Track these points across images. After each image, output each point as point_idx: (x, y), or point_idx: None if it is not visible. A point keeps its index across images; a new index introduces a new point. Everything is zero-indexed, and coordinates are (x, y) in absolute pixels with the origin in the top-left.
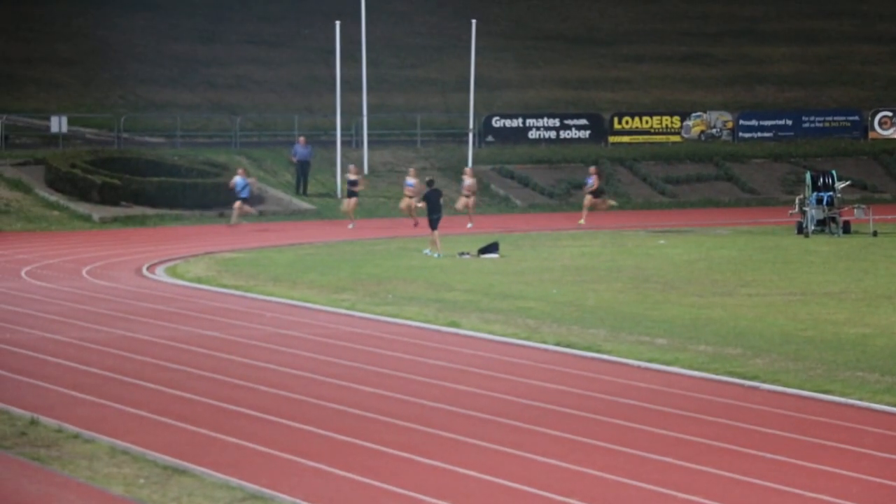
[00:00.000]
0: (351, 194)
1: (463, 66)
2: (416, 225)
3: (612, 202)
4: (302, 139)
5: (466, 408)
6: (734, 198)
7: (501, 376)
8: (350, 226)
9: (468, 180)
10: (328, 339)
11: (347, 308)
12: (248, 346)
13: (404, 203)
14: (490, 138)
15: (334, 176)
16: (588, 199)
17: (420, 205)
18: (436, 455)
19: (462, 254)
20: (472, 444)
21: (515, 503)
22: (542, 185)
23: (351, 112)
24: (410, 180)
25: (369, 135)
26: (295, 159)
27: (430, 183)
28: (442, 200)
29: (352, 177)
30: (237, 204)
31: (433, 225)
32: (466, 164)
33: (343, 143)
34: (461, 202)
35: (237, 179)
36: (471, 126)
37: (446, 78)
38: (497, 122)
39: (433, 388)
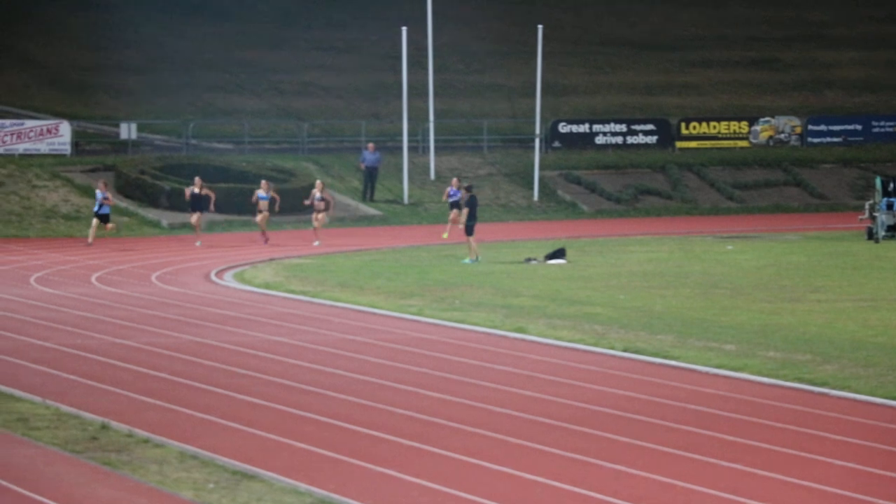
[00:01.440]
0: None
1: (529, 72)
2: (266, 241)
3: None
4: (370, 145)
5: (533, 413)
6: (803, 203)
7: (568, 382)
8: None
9: (318, 194)
10: (395, 344)
11: (414, 314)
12: (315, 352)
13: (260, 217)
14: (557, 144)
15: (401, 182)
16: (453, 213)
17: (463, 211)
18: (503, 461)
19: (529, 259)
20: (538, 450)
21: None
22: (608, 191)
23: (417, 118)
24: (262, 193)
25: (436, 141)
26: (363, 165)
27: (469, 188)
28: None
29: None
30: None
31: (470, 231)
32: (533, 170)
33: (410, 148)
34: (315, 217)
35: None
36: (537, 131)
37: (512, 83)
38: (564, 128)
39: (500, 394)
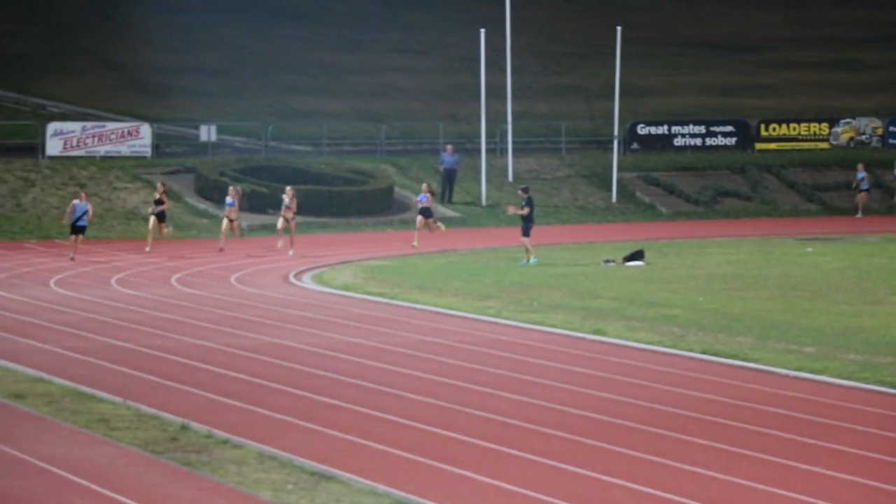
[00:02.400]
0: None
1: (607, 73)
2: (221, 250)
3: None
4: (449, 147)
5: (611, 416)
6: (885, 205)
7: (646, 384)
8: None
9: (286, 200)
10: (473, 346)
11: (492, 315)
12: (393, 353)
13: (225, 224)
14: (635, 145)
15: (479, 184)
16: (420, 219)
17: (523, 212)
18: (581, 463)
19: (607, 261)
20: (617, 453)
21: None
22: (687, 193)
23: (495, 119)
24: (230, 199)
25: (514, 142)
26: (442, 167)
27: (526, 190)
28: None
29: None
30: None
31: (527, 233)
32: (611, 172)
33: (487, 150)
34: (280, 223)
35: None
36: (616, 133)
37: (590, 85)
38: (642, 129)
39: (578, 396)
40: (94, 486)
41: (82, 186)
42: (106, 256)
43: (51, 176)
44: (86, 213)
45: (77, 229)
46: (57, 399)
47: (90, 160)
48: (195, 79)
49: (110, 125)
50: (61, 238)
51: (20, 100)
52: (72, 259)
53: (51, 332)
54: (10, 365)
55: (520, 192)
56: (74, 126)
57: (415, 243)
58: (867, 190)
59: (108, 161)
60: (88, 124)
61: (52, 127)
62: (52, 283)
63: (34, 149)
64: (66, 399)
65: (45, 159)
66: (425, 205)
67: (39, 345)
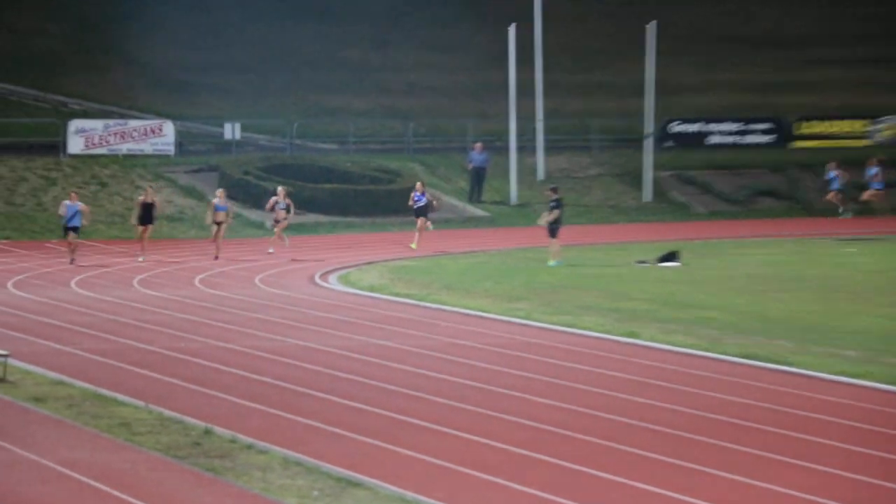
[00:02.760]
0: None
1: (639, 70)
2: (216, 258)
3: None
4: (478, 145)
5: (646, 421)
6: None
7: (682, 388)
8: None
9: (282, 201)
10: (503, 349)
11: (523, 317)
12: (421, 356)
13: (210, 219)
14: (669, 143)
15: (508, 183)
16: (420, 221)
17: (552, 216)
18: (614, 469)
19: (640, 262)
20: (651, 459)
21: None
22: (723, 191)
23: (525, 117)
24: (221, 203)
25: (544, 140)
26: (471, 166)
27: (555, 189)
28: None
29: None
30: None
31: (555, 233)
32: (644, 171)
33: (517, 149)
34: (276, 224)
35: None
36: (649, 131)
37: (622, 82)
38: (676, 127)
39: (611, 400)
40: (115, 492)
41: (104, 185)
42: (128, 257)
43: (72, 174)
44: (78, 212)
45: (71, 229)
46: (78, 402)
47: (112, 158)
48: (220, 76)
49: (133, 123)
50: (82, 237)
51: (41, 97)
52: (71, 262)
53: (71, 334)
54: (31, 367)
55: (548, 191)
56: (96, 124)
57: (413, 245)
58: (839, 190)
59: (131, 159)
60: (111, 122)
61: (74, 124)
62: (72, 283)
63: (56, 147)
64: (86, 402)
65: (67, 157)
66: (422, 204)
67: (60, 347)
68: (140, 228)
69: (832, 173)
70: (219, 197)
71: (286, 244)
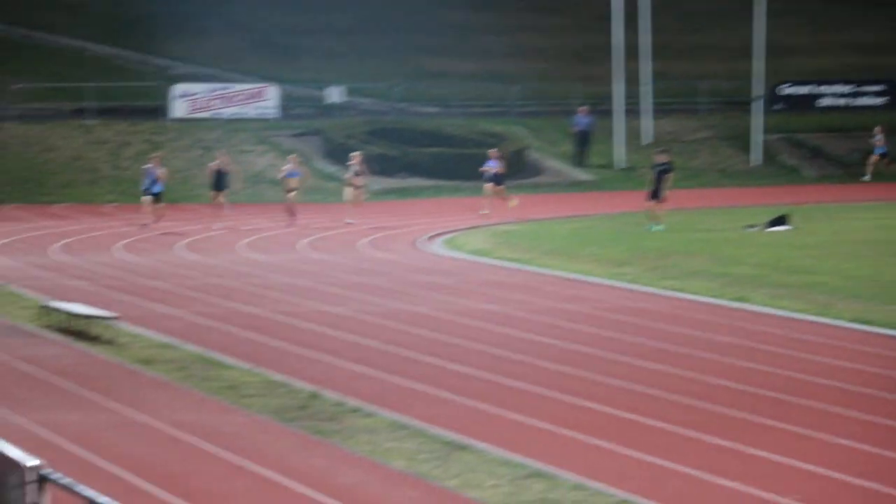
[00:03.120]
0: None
1: (749, 32)
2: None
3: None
4: (583, 109)
5: (755, 386)
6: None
7: (792, 354)
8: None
9: (356, 164)
10: (609, 313)
11: (629, 282)
12: (526, 320)
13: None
14: (778, 106)
15: (613, 147)
16: (488, 186)
17: (667, 177)
18: (723, 434)
19: (749, 227)
20: (761, 423)
21: (809, 487)
22: (834, 155)
23: (631, 80)
24: (293, 169)
25: (650, 103)
26: (576, 129)
27: (664, 152)
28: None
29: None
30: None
31: (662, 197)
32: (753, 134)
33: (623, 112)
34: (349, 193)
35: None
36: (758, 93)
37: (731, 44)
38: (786, 90)
39: (719, 365)
40: (223, 454)
41: (208, 150)
42: (233, 221)
43: (176, 138)
44: (156, 178)
45: (151, 195)
46: (186, 365)
47: (216, 123)
48: (323, 39)
49: (236, 87)
50: (186, 202)
51: (145, 61)
52: (144, 225)
53: (179, 298)
54: (139, 330)
55: (658, 154)
56: (200, 88)
57: (485, 211)
58: (882, 154)
59: (234, 124)
60: (214, 86)
61: (178, 88)
62: (179, 246)
63: (160, 111)
64: (194, 365)
65: (171, 121)
66: (495, 170)
67: (168, 310)
68: (213, 194)
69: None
70: (291, 163)
71: (348, 220)
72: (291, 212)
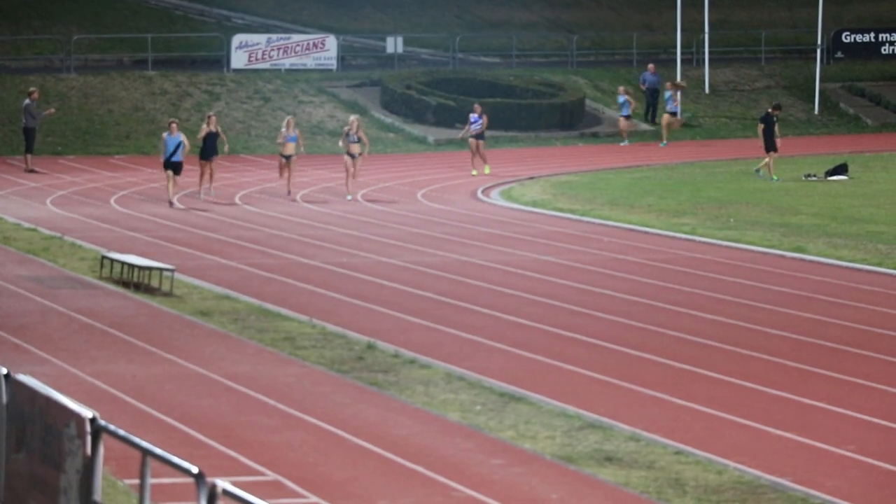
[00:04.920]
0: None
1: None
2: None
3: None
4: (651, 66)
5: (813, 336)
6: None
7: (850, 304)
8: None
9: (480, 118)
10: (667, 264)
11: (687, 233)
12: (583, 272)
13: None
14: (839, 54)
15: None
16: (473, 143)
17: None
18: (780, 385)
19: (808, 176)
20: (819, 374)
21: (867, 436)
22: (895, 104)
23: (691, 29)
24: (291, 133)
25: (711, 52)
26: (644, 87)
27: (778, 107)
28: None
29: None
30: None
31: (772, 146)
32: (813, 83)
33: (683, 61)
34: (347, 162)
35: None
36: (819, 42)
37: None
38: (847, 38)
39: (777, 316)
40: (280, 405)
41: (267, 101)
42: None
43: (235, 90)
44: (180, 146)
45: (171, 166)
46: (242, 317)
47: (275, 73)
48: None
49: (295, 37)
50: (247, 153)
51: (206, 11)
52: (170, 204)
53: (236, 249)
54: (197, 282)
55: (773, 108)
56: (259, 38)
57: (474, 172)
58: (626, 116)
59: (293, 74)
60: (273, 36)
61: (238, 39)
62: (237, 198)
63: (219, 62)
64: (251, 317)
65: (230, 72)
66: (479, 128)
67: (225, 262)
68: (202, 163)
69: (622, 98)
70: (286, 126)
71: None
72: (288, 181)
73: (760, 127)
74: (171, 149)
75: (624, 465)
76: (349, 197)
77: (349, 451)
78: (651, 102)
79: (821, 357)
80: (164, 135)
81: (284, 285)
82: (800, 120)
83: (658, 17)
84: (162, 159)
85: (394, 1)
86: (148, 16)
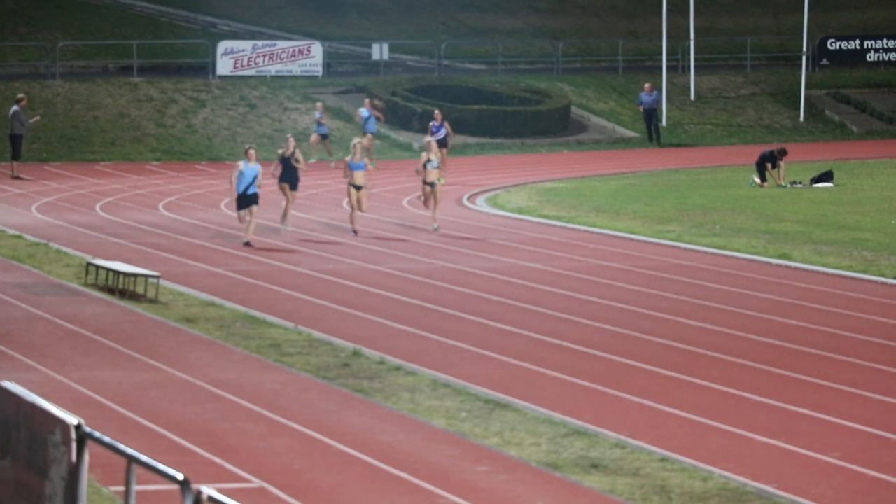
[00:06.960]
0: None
1: None
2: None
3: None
4: (647, 86)
5: (798, 343)
6: None
7: (835, 311)
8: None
9: (441, 126)
10: (653, 271)
11: (673, 239)
12: (569, 278)
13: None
14: (825, 62)
15: (660, 103)
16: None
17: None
18: (765, 392)
19: (793, 183)
20: (804, 381)
21: (851, 443)
22: (880, 111)
23: (677, 36)
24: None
25: (696, 59)
26: (641, 108)
27: (783, 152)
28: None
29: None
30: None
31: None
32: (799, 90)
33: (669, 68)
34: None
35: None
36: (804, 49)
37: None
38: (833, 45)
39: (762, 323)
40: (265, 412)
41: (252, 107)
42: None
43: (221, 96)
44: (256, 178)
45: (247, 200)
46: (228, 324)
47: (261, 80)
48: None
49: (281, 44)
50: (231, 160)
51: (191, 18)
52: (246, 244)
53: (222, 256)
54: (182, 288)
55: (777, 152)
56: (245, 45)
57: (435, 226)
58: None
59: (279, 81)
60: (259, 43)
61: (223, 46)
62: (222, 205)
63: (204, 68)
64: (237, 323)
65: (216, 79)
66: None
67: (211, 268)
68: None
69: (365, 111)
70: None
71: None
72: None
73: (760, 161)
74: (249, 180)
75: (609, 472)
76: (435, 226)
77: (335, 458)
78: (650, 123)
79: (806, 364)
80: (241, 163)
81: (270, 292)
82: (785, 127)
83: (643, 23)
84: (236, 194)
85: (379, 8)
86: (133, 22)
